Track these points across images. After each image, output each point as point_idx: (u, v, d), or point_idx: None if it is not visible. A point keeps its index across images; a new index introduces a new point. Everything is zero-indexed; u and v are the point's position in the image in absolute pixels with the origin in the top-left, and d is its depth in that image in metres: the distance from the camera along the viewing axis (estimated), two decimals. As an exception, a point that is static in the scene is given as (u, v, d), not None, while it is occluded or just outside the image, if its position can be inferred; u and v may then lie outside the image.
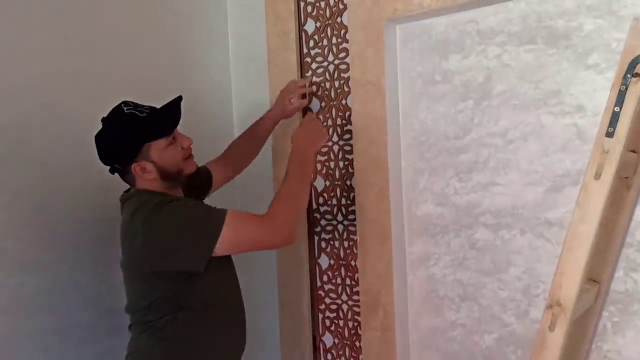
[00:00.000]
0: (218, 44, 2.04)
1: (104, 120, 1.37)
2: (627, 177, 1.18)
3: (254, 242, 1.35)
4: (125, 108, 1.34)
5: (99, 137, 1.36)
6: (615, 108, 1.01)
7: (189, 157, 1.43)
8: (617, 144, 1.00)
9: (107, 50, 1.69)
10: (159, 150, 1.35)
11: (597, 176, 1.02)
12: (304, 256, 1.86)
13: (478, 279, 1.53)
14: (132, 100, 1.37)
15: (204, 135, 1.74)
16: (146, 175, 1.36)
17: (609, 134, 1.01)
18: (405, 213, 1.66)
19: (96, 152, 1.36)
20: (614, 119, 1.01)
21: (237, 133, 1.98)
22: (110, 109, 1.36)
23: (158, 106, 1.38)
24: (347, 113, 1.75)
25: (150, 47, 1.81)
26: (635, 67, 1.00)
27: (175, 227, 1.28)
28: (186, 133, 1.44)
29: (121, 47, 1.72)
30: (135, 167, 1.35)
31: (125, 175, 1.39)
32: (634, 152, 1.17)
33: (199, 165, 1.52)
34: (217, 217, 1.30)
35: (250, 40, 1.99)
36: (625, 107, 1.00)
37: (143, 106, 1.37)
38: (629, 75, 1.00)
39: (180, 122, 1.39)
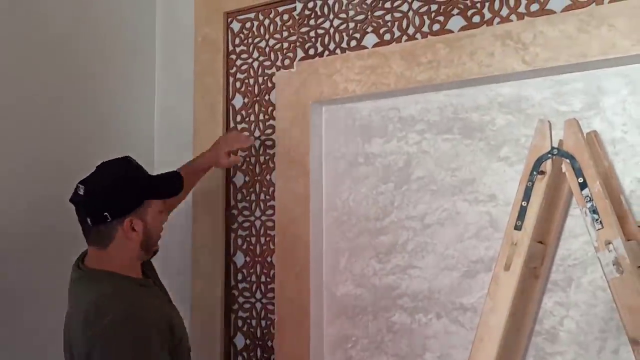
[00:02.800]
0: (144, 114, 2.00)
1: (105, 165, 1.31)
2: (535, 267, 1.23)
3: None
4: (133, 161, 1.34)
5: (95, 181, 1.27)
6: (523, 203, 1.06)
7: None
8: (525, 237, 1.05)
9: (25, 113, 1.61)
10: (154, 212, 1.31)
11: (507, 267, 1.05)
12: (217, 337, 1.78)
13: (395, 363, 1.52)
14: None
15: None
16: (131, 236, 1.27)
17: (518, 227, 1.06)
18: (325, 293, 1.64)
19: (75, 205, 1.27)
20: (522, 213, 1.06)
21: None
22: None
23: None
24: (271, 189, 1.75)
25: (73, 115, 1.75)
26: (540, 165, 1.06)
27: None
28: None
29: (40, 111, 1.65)
30: (127, 222, 1.25)
31: (105, 230, 1.26)
32: (541, 243, 1.22)
33: None
34: None
35: (176, 111, 1.97)
36: (532, 202, 1.05)
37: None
38: (534, 173, 1.06)
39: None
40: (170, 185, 1.37)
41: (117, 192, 1.27)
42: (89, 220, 1.25)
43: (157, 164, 2.04)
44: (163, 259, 1.83)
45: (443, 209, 1.47)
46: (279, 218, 1.67)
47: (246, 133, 1.81)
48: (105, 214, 1.24)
